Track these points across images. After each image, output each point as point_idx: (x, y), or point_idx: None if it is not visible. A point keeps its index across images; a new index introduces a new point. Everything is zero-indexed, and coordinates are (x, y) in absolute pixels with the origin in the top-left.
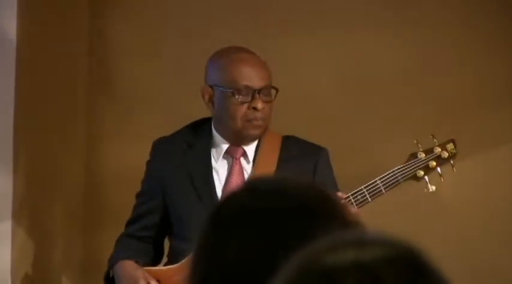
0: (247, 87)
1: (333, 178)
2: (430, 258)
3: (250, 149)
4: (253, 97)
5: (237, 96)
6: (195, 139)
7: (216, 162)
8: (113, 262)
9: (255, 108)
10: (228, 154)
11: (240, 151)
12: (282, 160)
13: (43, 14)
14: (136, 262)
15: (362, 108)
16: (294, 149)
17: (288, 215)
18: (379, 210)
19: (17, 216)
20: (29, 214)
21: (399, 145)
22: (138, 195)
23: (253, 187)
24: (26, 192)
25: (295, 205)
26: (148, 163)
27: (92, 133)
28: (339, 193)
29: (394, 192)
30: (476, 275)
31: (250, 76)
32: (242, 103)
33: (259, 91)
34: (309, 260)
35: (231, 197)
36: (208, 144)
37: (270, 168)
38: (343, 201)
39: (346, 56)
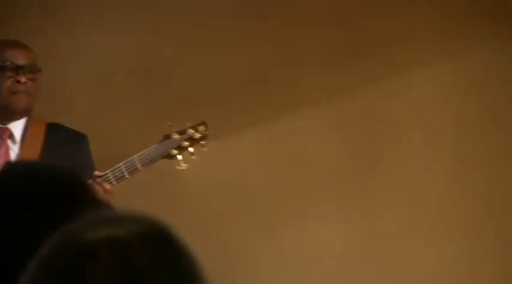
0: (12, 63)
1: (92, 161)
2: (175, 232)
3: (17, 130)
4: (17, 73)
5: (4, 72)
6: None
7: None
8: None
9: (18, 82)
10: None
11: (7, 132)
12: (47, 145)
13: None
14: None
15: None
16: (59, 135)
17: (31, 200)
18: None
19: None
20: None
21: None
22: None
23: (7, 170)
24: None
25: (40, 190)
26: None
27: None
28: (97, 172)
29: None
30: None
31: (14, 55)
32: (8, 77)
33: (22, 67)
34: (67, 238)
35: None
36: None
37: (35, 151)
38: (92, 184)
39: None
